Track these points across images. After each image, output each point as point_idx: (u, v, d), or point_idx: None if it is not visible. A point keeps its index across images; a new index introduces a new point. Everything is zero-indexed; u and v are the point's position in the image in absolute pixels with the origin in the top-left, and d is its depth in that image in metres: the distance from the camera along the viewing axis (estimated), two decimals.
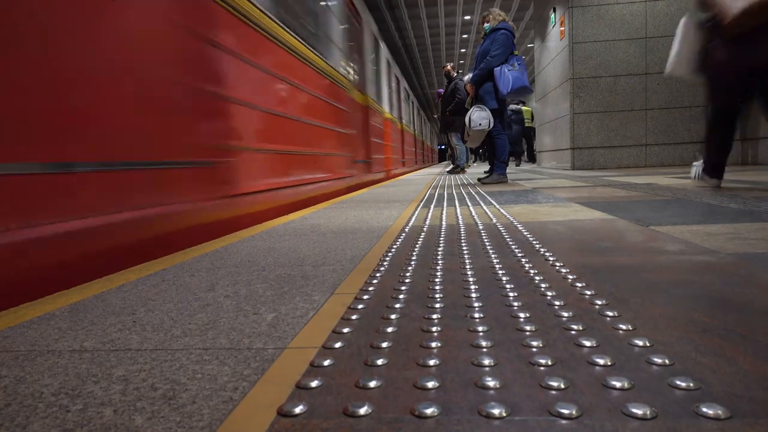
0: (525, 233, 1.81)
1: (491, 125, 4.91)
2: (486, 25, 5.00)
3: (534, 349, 0.73)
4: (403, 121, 12.53)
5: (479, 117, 4.91)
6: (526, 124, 13.79)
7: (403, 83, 12.87)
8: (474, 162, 17.72)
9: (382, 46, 9.70)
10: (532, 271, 1.22)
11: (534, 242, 1.62)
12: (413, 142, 15.25)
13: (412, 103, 16.42)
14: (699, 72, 3.14)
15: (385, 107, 9.31)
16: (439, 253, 1.51)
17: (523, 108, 13.98)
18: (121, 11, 1.90)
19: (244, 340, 0.84)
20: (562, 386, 0.61)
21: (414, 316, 0.92)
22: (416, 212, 2.68)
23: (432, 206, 2.97)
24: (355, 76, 6.47)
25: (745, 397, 0.57)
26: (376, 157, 7.72)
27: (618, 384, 0.61)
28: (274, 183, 3.38)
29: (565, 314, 0.88)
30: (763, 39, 2.70)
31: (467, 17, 16.95)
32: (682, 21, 3.15)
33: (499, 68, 4.73)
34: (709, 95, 3.23)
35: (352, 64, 6.37)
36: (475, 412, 0.56)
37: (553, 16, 8.52)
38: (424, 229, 2.03)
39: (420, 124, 19.72)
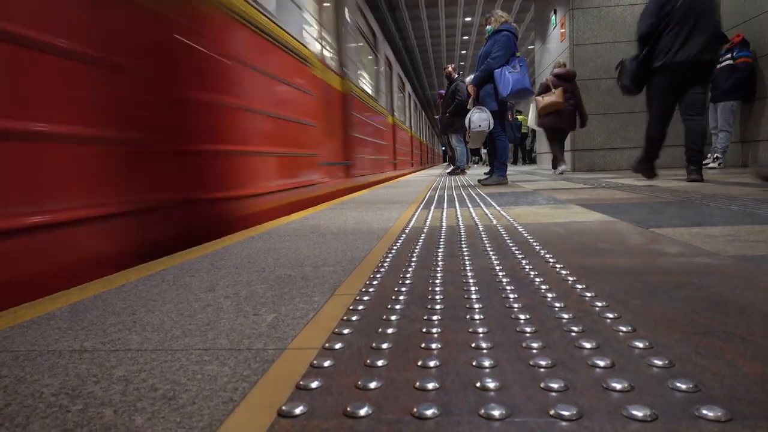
0: (525, 235, 1.81)
1: (491, 127, 4.91)
2: (488, 27, 5.01)
3: (534, 351, 0.73)
4: (413, 130, 15.96)
5: (479, 118, 4.92)
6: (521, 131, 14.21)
7: (410, 90, 16.32)
8: (475, 164, 17.75)
9: (404, 79, 13.78)
10: (532, 273, 1.22)
11: (534, 244, 1.62)
12: (420, 146, 19.06)
13: (420, 112, 20.52)
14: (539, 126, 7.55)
15: (406, 124, 13.38)
16: (440, 254, 1.51)
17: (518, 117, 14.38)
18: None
19: (244, 341, 0.84)
20: (562, 388, 0.61)
21: (414, 318, 0.92)
22: (416, 213, 2.69)
23: (432, 207, 2.97)
24: (389, 105, 10.22)
25: (746, 400, 0.57)
26: (399, 159, 11.39)
27: (618, 386, 0.61)
28: (365, 172, 6.81)
29: (565, 316, 0.88)
30: (551, 117, 7.12)
31: (468, 19, 16.96)
32: (531, 105, 7.53)
33: (499, 70, 4.73)
34: (546, 136, 7.78)
35: (389, 98, 10.30)
36: (475, 414, 0.56)
37: (553, 17, 8.52)
38: (424, 230, 2.03)
39: (425, 130, 23.78)
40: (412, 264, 1.38)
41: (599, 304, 0.95)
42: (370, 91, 7.51)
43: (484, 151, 15.56)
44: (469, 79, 5.75)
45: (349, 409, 0.58)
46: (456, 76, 8.51)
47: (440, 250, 1.57)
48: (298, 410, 0.58)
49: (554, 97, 6.95)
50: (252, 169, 3.09)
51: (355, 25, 6.64)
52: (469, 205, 3.02)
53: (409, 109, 14.99)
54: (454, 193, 4.10)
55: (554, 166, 7.43)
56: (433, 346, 0.77)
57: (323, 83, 4.67)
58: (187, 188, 2.39)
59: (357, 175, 6.17)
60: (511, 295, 1.03)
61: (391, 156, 9.93)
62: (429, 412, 0.56)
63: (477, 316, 0.90)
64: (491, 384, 0.63)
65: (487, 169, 8.29)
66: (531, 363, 0.69)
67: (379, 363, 0.71)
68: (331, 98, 5.02)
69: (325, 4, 5.21)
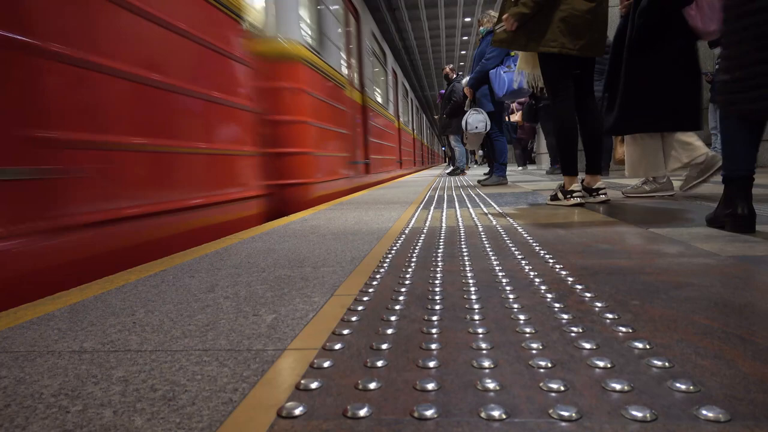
0: (525, 235, 1.81)
1: (488, 128, 4.92)
2: (482, 28, 5.02)
3: (534, 351, 0.73)
4: (422, 138, 21.26)
5: (475, 120, 4.93)
6: None
7: (417, 105, 20.99)
8: (475, 164, 17.83)
9: (413, 96, 18.51)
10: (532, 273, 1.22)
11: (534, 244, 1.62)
12: (427, 149, 25.29)
13: (424, 119, 25.66)
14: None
15: (416, 133, 18.06)
16: (439, 254, 1.51)
17: None
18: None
19: (244, 342, 0.84)
20: (562, 388, 0.61)
21: (414, 318, 0.92)
22: (416, 214, 2.69)
23: (432, 208, 2.97)
24: (408, 123, 14.44)
25: (745, 400, 0.57)
26: (414, 159, 16.19)
27: (618, 386, 0.61)
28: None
29: (565, 316, 0.88)
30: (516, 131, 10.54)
31: (467, 19, 16.96)
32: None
33: (494, 70, 4.73)
34: (513, 145, 10.87)
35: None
36: (475, 414, 0.56)
37: None
38: (424, 230, 2.03)
39: (429, 134, 29.07)
40: (412, 264, 1.38)
41: (599, 304, 0.95)
42: (413, 129, 14.74)
43: (480, 153, 16.27)
44: (465, 81, 5.77)
45: (348, 409, 0.58)
46: (454, 76, 8.51)
47: (440, 251, 1.57)
48: (297, 411, 0.58)
49: (516, 117, 9.96)
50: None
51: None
52: (469, 206, 3.02)
53: (419, 120, 21.56)
54: (454, 194, 4.11)
55: (519, 165, 11.36)
56: (433, 346, 0.77)
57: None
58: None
59: (406, 167, 12.00)
60: (511, 296, 1.03)
61: (411, 157, 16.94)
62: (429, 413, 0.56)
63: (477, 317, 0.90)
64: (491, 385, 0.63)
65: (486, 169, 8.33)
66: (531, 363, 0.69)
67: (379, 364, 0.71)
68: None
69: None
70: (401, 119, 12.18)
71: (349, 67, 6.13)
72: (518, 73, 3.35)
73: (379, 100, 8.89)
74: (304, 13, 4.28)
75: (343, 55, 5.81)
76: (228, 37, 2.79)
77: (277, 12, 3.82)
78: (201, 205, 2.40)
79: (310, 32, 4.44)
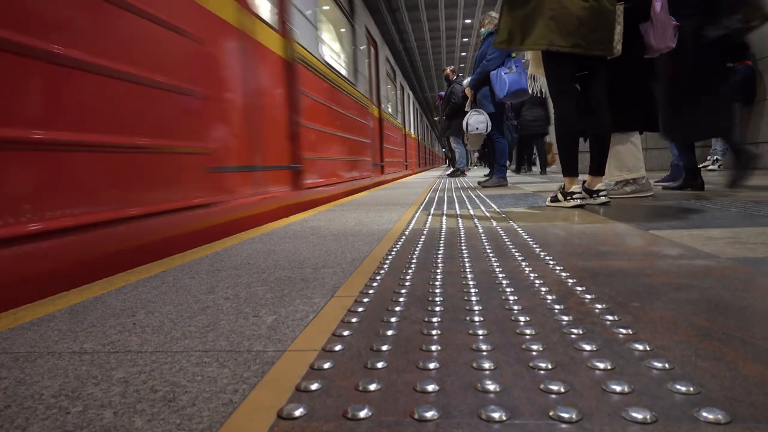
0: (525, 237, 1.81)
1: (489, 129, 4.92)
2: (483, 29, 5.03)
3: (534, 353, 0.73)
4: (426, 143, 23.61)
5: (476, 121, 4.94)
6: None
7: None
8: (475, 165, 17.98)
9: (419, 108, 20.68)
10: (532, 275, 1.22)
11: (534, 246, 1.62)
12: (430, 152, 27.52)
13: (428, 126, 27.92)
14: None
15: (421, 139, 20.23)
16: (440, 256, 1.51)
17: None
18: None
19: (244, 343, 0.84)
20: (562, 390, 0.61)
21: (414, 320, 0.92)
22: (416, 215, 2.69)
23: (432, 209, 2.97)
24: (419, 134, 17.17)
25: (746, 402, 0.57)
26: (422, 161, 18.56)
27: (618, 388, 0.61)
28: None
29: (565, 318, 0.88)
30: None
31: (468, 21, 16.98)
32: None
33: (495, 72, 4.73)
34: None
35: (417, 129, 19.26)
36: (475, 416, 0.56)
37: None
38: (424, 232, 2.03)
39: (431, 137, 30.64)
40: (412, 266, 1.38)
41: (599, 306, 0.95)
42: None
43: (476, 154, 16.92)
44: (466, 82, 5.78)
45: (348, 411, 0.58)
46: (455, 78, 8.52)
47: (440, 252, 1.57)
48: (297, 412, 0.58)
49: None
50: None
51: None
52: (469, 207, 3.02)
53: (426, 129, 24.32)
54: (454, 195, 4.11)
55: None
56: (433, 348, 0.77)
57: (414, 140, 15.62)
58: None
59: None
60: (511, 297, 1.03)
61: (423, 159, 19.00)
62: (429, 414, 0.56)
63: (477, 318, 0.90)
64: (491, 386, 0.63)
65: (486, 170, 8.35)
66: (531, 365, 0.69)
67: (379, 365, 0.71)
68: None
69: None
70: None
71: None
72: (530, 78, 3.39)
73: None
74: None
75: None
76: None
77: None
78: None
79: None
